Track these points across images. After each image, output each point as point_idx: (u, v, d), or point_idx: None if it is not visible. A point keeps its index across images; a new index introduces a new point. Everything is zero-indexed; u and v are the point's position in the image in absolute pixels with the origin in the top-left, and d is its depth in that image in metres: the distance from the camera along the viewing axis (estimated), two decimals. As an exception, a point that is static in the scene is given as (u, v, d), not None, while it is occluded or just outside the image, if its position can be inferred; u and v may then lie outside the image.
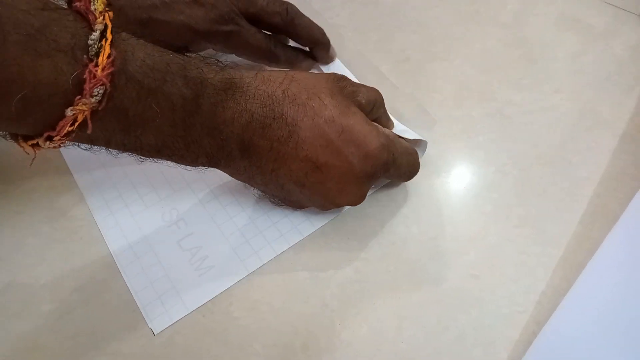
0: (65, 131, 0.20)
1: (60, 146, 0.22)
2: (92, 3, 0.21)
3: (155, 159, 0.26)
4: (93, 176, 0.34)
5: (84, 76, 0.20)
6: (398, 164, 0.29)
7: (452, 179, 0.33)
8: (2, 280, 0.30)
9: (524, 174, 0.33)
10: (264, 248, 0.30)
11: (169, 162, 0.26)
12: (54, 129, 0.20)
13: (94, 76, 0.20)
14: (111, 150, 0.24)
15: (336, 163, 0.27)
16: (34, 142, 0.21)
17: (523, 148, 0.34)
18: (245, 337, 0.28)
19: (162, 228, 0.31)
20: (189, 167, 0.27)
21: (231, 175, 0.29)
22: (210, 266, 0.30)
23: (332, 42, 0.39)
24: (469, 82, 0.38)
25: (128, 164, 0.34)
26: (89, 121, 0.21)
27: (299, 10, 0.36)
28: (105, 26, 0.21)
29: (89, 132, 0.21)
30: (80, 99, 0.20)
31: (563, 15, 0.42)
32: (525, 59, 0.39)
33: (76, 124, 0.20)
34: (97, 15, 0.21)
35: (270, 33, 0.37)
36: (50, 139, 0.21)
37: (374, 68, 0.39)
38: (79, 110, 0.20)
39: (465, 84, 0.38)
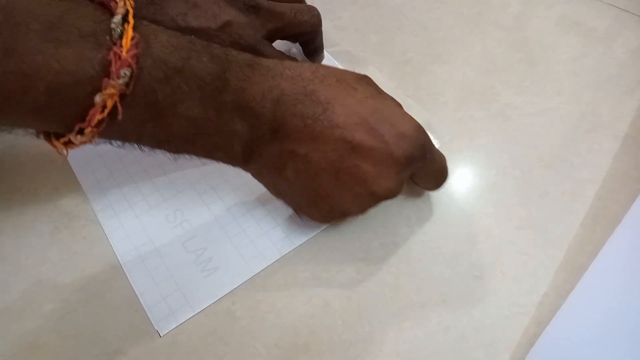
0: (96, 120, 0.20)
1: (92, 141, 0.21)
2: None
3: (190, 155, 0.26)
4: (97, 177, 0.34)
5: (109, 58, 0.20)
6: (433, 154, 0.28)
7: (454, 181, 0.33)
8: (4, 280, 0.30)
9: (526, 175, 0.33)
10: (269, 249, 0.30)
11: (203, 160, 0.26)
12: (84, 121, 0.20)
13: (119, 57, 0.20)
14: (143, 148, 0.24)
15: (372, 143, 0.25)
16: (66, 139, 0.21)
17: (524, 150, 0.34)
18: (248, 337, 0.28)
19: (166, 229, 0.31)
20: (224, 165, 0.27)
21: (260, 176, 0.28)
22: (216, 267, 0.30)
23: (333, 45, 0.40)
24: (470, 84, 0.38)
25: (131, 165, 0.34)
26: (119, 106, 0.20)
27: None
28: (127, 11, 0.21)
29: (119, 117, 0.21)
30: (107, 81, 0.20)
31: (564, 18, 0.42)
32: (527, 61, 0.39)
33: (106, 110, 0.20)
34: (117, 1, 0.21)
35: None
36: (81, 132, 0.21)
37: (375, 71, 0.40)
38: (108, 94, 0.20)
39: (467, 86, 0.38)
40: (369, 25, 0.43)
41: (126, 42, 0.20)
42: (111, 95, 0.20)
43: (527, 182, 0.33)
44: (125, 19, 0.21)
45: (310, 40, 0.37)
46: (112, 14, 0.21)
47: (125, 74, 0.20)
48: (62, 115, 0.20)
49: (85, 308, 0.29)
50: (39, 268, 0.31)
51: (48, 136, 0.22)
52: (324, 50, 0.39)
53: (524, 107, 0.37)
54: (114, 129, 0.22)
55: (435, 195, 0.33)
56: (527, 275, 0.29)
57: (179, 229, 0.31)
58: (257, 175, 0.29)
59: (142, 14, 0.29)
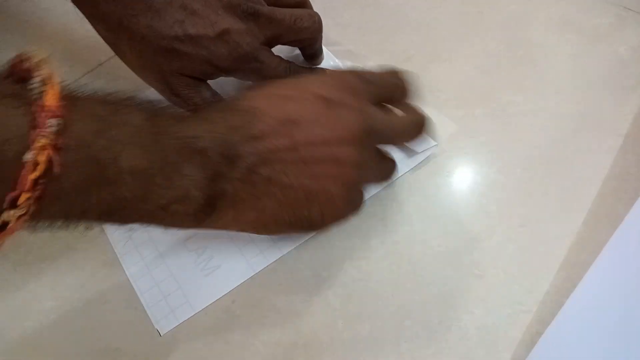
0: (30, 182, 0.17)
1: (31, 217, 0.19)
2: (24, 62, 0.19)
3: (146, 224, 0.23)
4: None
5: (34, 111, 0.18)
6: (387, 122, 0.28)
7: (455, 179, 0.33)
8: (3, 277, 0.30)
9: (527, 174, 0.33)
10: (269, 248, 0.30)
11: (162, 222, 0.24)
12: (14, 190, 0.17)
13: (44, 109, 0.18)
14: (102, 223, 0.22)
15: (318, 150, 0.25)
16: None
17: (526, 148, 0.34)
18: (247, 336, 0.28)
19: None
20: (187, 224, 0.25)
21: (235, 220, 0.25)
22: (216, 266, 0.30)
23: (334, 44, 0.40)
24: (471, 82, 0.38)
25: None
26: (53, 155, 0.18)
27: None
28: (47, 76, 0.19)
29: (55, 170, 0.18)
30: (36, 133, 0.18)
31: (565, 16, 0.42)
32: (528, 60, 0.39)
33: (39, 167, 0.18)
34: (33, 70, 0.19)
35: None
36: (14, 205, 0.18)
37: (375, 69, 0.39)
38: (39, 147, 0.18)
39: (467, 84, 0.38)
40: (370, 23, 0.43)
41: (50, 96, 0.19)
42: (43, 148, 0.18)
43: (528, 181, 0.33)
44: (45, 82, 0.19)
45: (309, 45, 0.37)
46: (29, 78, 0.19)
47: (52, 123, 0.18)
48: None
49: (86, 307, 0.29)
50: (39, 265, 0.31)
51: None
52: (326, 49, 0.39)
53: (525, 105, 0.36)
54: (54, 203, 0.19)
55: (437, 193, 0.32)
56: (528, 273, 0.29)
57: None
58: (231, 221, 0.26)
59: (139, 22, 0.29)
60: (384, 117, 0.28)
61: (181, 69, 0.31)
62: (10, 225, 0.18)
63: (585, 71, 0.38)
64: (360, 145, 0.26)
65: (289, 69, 0.34)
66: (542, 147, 0.34)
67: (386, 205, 0.32)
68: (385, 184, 0.32)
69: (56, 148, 0.18)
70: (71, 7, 0.31)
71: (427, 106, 0.36)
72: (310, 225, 0.26)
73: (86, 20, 0.32)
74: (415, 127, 0.30)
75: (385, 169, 0.31)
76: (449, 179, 0.33)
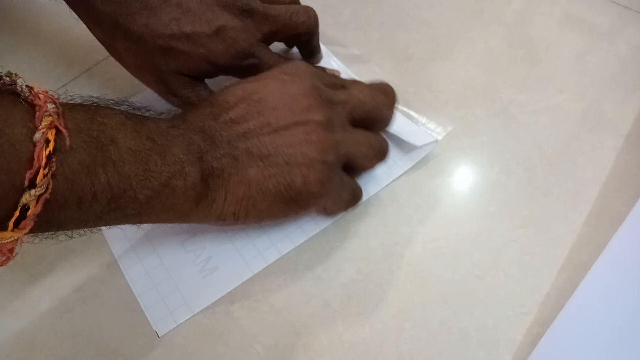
0: (44, 157, 0.19)
1: (47, 195, 0.19)
2: (4, 78, 0.20)
3: (151, 209, 0.24)
4: None
5: (32, 98, 0.20)
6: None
7: (455, 179, 0.33)
8: (0, 278, 0.30)
9: (528, 174, 0.33)
10: (268, 249, 0.30)
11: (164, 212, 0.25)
12: (32, 167, 0.18)
13: (40, 96, 0.20)
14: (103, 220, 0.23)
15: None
16: (17, 214, 0.19)
17: (527, 148, 0.34)
18: (246, 338, 0.27)
19: (164, 229, 0.31)
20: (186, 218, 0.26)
21: (229, 203, 0.27)
22: (214, 267, 0.30)
23: (333, 41, 0.39)
24: (472, 81, 0.38)
25: None
26: (63, 129, 0.19)
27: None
28: (26, 84, 0.20)
29: (67, 143, 0.20)
30: (40, 113, 0.19)
31: (567, 15, 0.42)
32: (529, 59, 0.39)
33: (51, 144, 0.19)
34: (14, 78, 0.20)
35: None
36: (33, 184, 0.18)
37: (376, 67, 0.39)
38: (46, 125, 0.19)
39: (469, 83, 0.38)
40: (370, 21, 0.42)
41: (38, 90, 0.20)
42: (50, 126, 0.19)
43: (529, 181, 0.32)
44: (28, 87, 0.20)
45: (306, 41, 0.36)
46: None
47: (52, 106, 0.20)
48: (6, 172, 0.18)
49: (83, 308, 0.29)
50: (36, 267, 0.30)
51: None
52: (326, 48, 0.39)
53: (527, 104, 0.36)
54: (67, 184, 0.20)
55: (437, 194, 0.32)
56: (529, 274, 0.29)
57: (177, 229, 0.31)
58: (224, 204, 0.26)
59: (135, 21, 0.29)
60: (343, 91, 0.30)
61: (178, 67, 0.31)
62: (30, 211, 0.19)
63: (587, 70, 0.38)
64: (322, 108, 0.28)
65: None
66: (543, 147, 0.34)
67: (386, 206, 0.32)
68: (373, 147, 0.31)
69: (60, 126, 0.20)
70: (66, 6, 0.31)
71: (426, 105, 0.36)
72: (296, 194, 0.27)
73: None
74: (378, 92, 0.32)
75: (363, 139, 0.30)
76: (449, 180, 0.33)
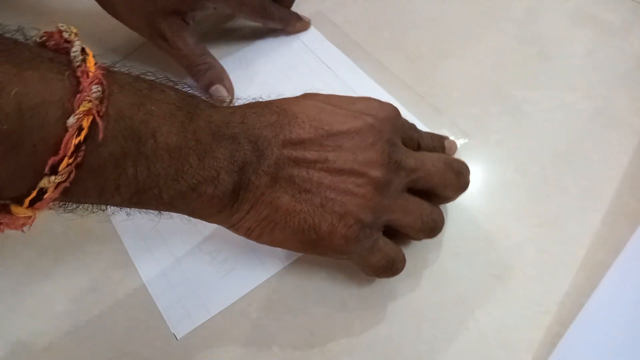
0: (72, 147, 0.18)
1: (65, 192, 0.19)
2: (64, 33, 0.20)
3: (175, 206, 0.23)
4: None
5: (77, 75, 0.18)
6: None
7: (470, 178, 0.33)
8: (16, 279, 0.30)
9: (544, 172, 0.32)
10: (285, 250, 0.30)
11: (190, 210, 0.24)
12: (57, 153, 0.18)
13: (88, 75, 0.18)
14: (119, 209, 0.22)
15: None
16: (33, 194, 0.18)
17: (542, 146, 0.34)
18: (264, 338, 0.27)
19: (181, 231, 0.31)
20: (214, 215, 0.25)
21: (249, 219, 0.25)
22: (231, 268, 0.29)
23: (343, 41, 0.39)
24: (485, 79, 0.38)
25: None
26: (99, 120, 0.18)
27: None
28: (82, 47, 0.20)
29: (100, 136, 0.18)
30: (80, 97, 0.18)
31: (579, 11, 0.41)
32: (542, 56, 0.39)
33: (83, 132, 0.18)
34: (72, 38, 0.20)
35: None
36: (55, 171, 0.18)
37: (387, 67, 0.39)
38: (83, 112, 0.18)
39: (482, 81, 0.37)
40: (380, 20, 0.42)
41: (91, 64, 0.19)
42: (87, 112, 0.18)
43: (545, 179, 0.32)
44: (84, 51, 0.19)
45: None
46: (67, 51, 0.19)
47: (97, 89, 0.18)
48: (29, 155, 0.17)
49: (99, 309, 0.29)
50: (51, 268, 0.30)
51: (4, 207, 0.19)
52: (340, 52, 0.40)
53: (540, 102, 0.36)
54: (91, 174, 0.19)
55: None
56: (547, 273, 0.28)
57: (194, 230, 0.31)
58: (244, 217, 0.25)
59: None
60: (416, 155, 0.27)
61: (165, 5, 0.33)
62: (47, 195, 0.18)
63: (601, 67, 0.38)
64: (386, 168, 0.25)
65: (269, 3, 0.37)
66: (558, 144, 0.34)
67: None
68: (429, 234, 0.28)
69: (99, 115, 0.18)
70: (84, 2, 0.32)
71: (440, 107, 0.36)
72: (317, 239, 0.25)
73: (96, 14, 0.34)
74: (451, 171, 0.28)
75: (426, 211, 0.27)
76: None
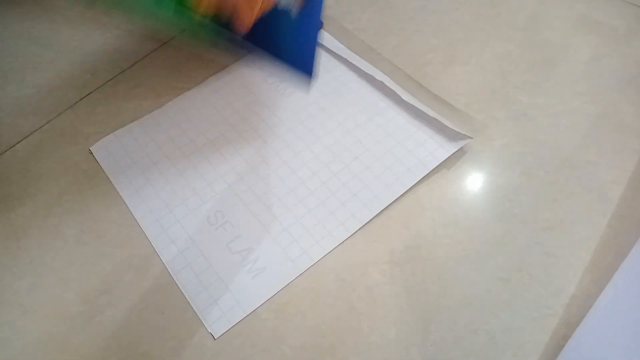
0: None
1: None
2: None
3: None
4: (134, 186, 0.34)
5: None
6: None
7: (477, 182, 0.33)
8: (31, 281, 0.31)
9: (551, 176, 0.33)
10: (312, 247, 0.30)
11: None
12: None
13: None
14: None
15: None
16: None
17: (548, 150, 0.34)
18: (273, 340, 0.28)
19: (209, 232, 0.31)
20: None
21: None
22: (263, 267, 0.30)
23: (352, 46, 0.40)
24: (491, 85, 0.38)
25: (167, 170, 0.34)
26: None
27: None
28: None
29: None
30: None
31: (584, 17, 0.42)
32: (548, 62, 0.39)
33: None
34: None
35: None
36: None
37: (397, 70, 0.39)
38: None
39: (488, 87, 0.38)
40: (388, 27, 0.43)
41: None
42: None
43: (552, 183, 0.32)
44: None
45: None
46: None
47: None
48: None
49: (112, 311, 0.29)
50: (65, 271, 0.31)
51: None
52: (350, 52, 0.39)
53: (546, 107, 0.36)
54: None
55: (460, 197, 0.32)
56: (554, 276, 0.29)
57: (221, 231, 0.31)
58: None
59: None
60: None
61: None
62: None
63: (606, 73, 0.38)
64: None
65: None
66: (564, 149, 0.34)
67: (409, 209, 0.32)
68: None
69: None
70: (91, 15, 0.32)
71: (446, 113, 0.37)
72: None
73: (105, 30, 0.32)
74: None
75: None
76: (471, 183, 0.33)
